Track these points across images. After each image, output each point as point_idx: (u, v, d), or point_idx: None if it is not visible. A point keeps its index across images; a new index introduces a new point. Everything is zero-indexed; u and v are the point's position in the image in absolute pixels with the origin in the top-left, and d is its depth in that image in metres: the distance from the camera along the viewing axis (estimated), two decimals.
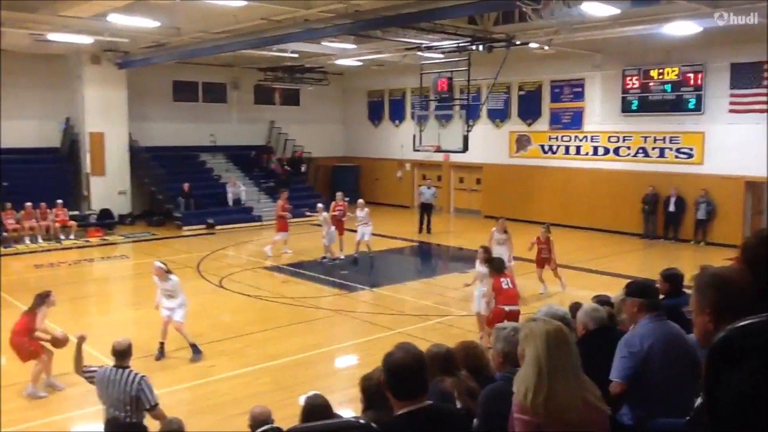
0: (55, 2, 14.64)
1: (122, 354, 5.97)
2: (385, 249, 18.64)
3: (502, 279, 9.50)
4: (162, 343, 9.90)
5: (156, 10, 14.80)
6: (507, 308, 9.17)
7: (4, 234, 18.72)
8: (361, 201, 17.95)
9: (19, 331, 8.61)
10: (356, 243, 17.21)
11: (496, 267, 9.72)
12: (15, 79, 21.37)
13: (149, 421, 5.92)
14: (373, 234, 17.59)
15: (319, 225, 17.65)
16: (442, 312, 12.47)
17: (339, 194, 18.25)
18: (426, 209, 21.70)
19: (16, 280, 15.09)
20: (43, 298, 8.84)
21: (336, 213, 17.47)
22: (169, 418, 5.24)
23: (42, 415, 7.97)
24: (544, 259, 13.60)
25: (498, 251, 12.69)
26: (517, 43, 16.61)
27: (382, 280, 15.77)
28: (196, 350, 9.85)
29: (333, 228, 16.94)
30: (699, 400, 2.07)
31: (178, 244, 19.99)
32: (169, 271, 10.00)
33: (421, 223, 21.67)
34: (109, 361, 6.10)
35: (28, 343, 8.59)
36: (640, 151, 20.60)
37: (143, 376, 5.90)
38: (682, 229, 19.53)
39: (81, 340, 6.44)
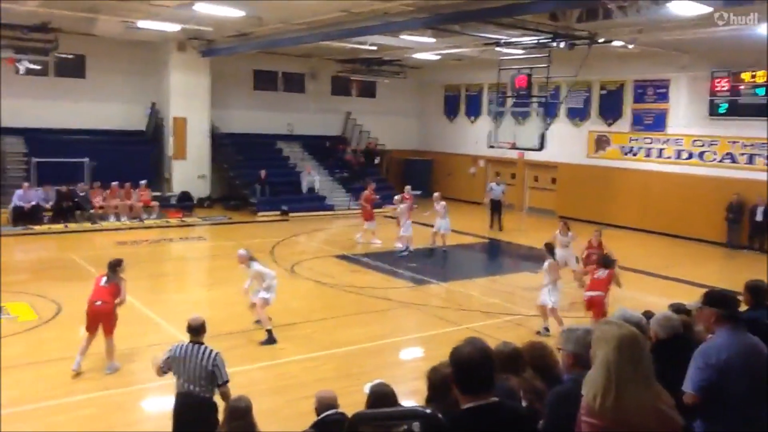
0: None
1: (197, 330, 6.19)
2: (455, 244, 18.58)
3: (599, 270, 10.63)
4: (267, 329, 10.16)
5: (240, 0, 15.15)
6: (587, 295, 10.43)
7: (92, 211, 19.64)
8: (437, 194, 18.20)
9: (110, 302, 8.62)
10: (432, 234, 17.53)
11: (603, 262, 10.90)
12: (106, 64, 22.41)
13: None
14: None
15: (393, 217, 17.93)
16: (510, 311, 12.35)
17: (407, 187, 18.59)
18: (496, 206, 21.67)
19: (101, 255, 15.77)
20: (114, 267, 8.87)
21: (404, 205, 17.61)
22: (238, 395, 5.38)
23: (119, 385, 8.33)
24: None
25: (562, 254, 12.99)
26: (600, 41, 16.19)
27: (451, 274, 15.75)
28: (270, 338, 9.95)
29: (409, 221, 17.12)
30: None
31: (252, 229, 20.49)
32: (251, 258, 10.20)
33: (492, 219, 21.61)
34: (184, 338, 6.32)
35: (115, 315, 8.69)
36: (727, 156, 19.76)
37: (218, 352, 6.10)
38: None
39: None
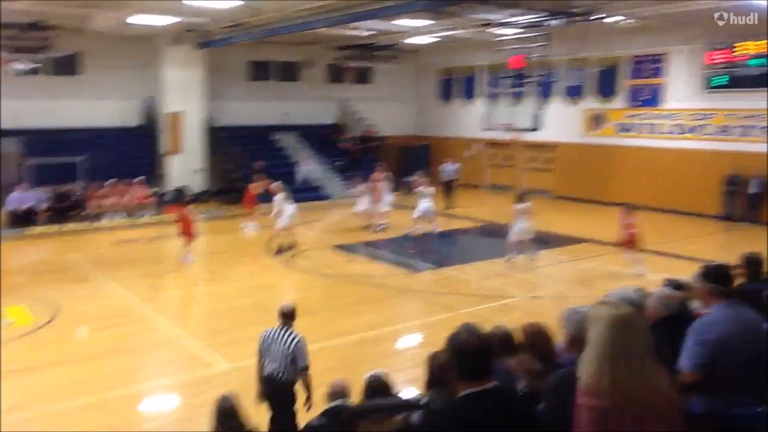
0: None
1: (287, 315, 6.38)
2: (453, 228, 18.52)
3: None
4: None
5: None
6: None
7: (87, 211, 19.50)
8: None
9: (188, 221, 14.43)
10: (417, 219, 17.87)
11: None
12: (101, 61, 22.24)
13: None
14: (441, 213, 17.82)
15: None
16: (507, 293, 12.31)
17: (418, 172, 19.25)
18: (448, 186, 22.34)
19: (98, 255, 15.82)
20: (188, 203, 15.85)
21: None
22: (223, 395, 5.19)
23: (118, 385, 8.29)
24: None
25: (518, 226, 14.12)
26: (598, 17, 15.99)
27: (448, 259, 15.66)
28: (279, 250, 14.86)
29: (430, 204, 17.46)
30: None
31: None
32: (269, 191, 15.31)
33: (446, 198, 22.15)
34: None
35: (191, 226, 14.33)
36: (724, 129, 19.65)
37: (301, 337, 6.25)
38: (766, 212, 18.56)
39: None
